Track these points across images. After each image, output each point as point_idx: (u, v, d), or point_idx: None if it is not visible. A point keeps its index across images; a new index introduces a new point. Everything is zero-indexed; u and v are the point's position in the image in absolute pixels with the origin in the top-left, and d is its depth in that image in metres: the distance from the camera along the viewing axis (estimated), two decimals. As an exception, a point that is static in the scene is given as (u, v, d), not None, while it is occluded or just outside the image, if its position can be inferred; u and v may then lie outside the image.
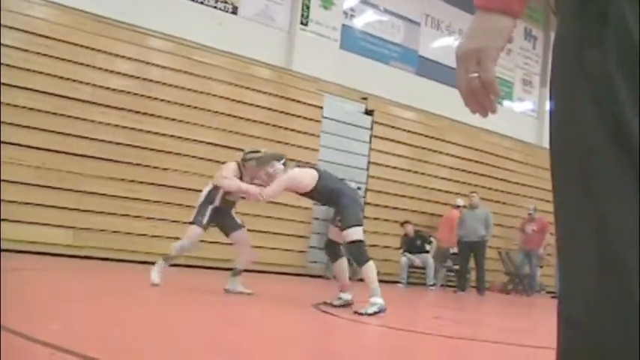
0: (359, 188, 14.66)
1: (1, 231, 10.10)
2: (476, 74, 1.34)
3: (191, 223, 7.84)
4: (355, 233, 6.96)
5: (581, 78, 1.18)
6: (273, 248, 13.18)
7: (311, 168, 7.51)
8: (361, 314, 6.54)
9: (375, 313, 6.57)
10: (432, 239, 15.05)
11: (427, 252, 14.76)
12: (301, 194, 7.32)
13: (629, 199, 1.09)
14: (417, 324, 7.41)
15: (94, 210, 11.55)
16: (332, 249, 7.52)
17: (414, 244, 14.80)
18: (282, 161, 7.49)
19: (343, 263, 7.49)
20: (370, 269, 6.87)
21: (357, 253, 7.00)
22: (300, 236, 13.99)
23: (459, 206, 15.90)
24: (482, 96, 1.36)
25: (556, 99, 1.26)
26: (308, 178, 7.14)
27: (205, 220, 7.77)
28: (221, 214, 7.93)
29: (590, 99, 1.16)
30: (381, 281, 10.29)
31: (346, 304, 7.26)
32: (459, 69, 1.37)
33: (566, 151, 1.22)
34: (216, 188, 7.87)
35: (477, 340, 5.89)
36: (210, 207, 7.81)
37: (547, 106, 19.42)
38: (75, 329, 3.98)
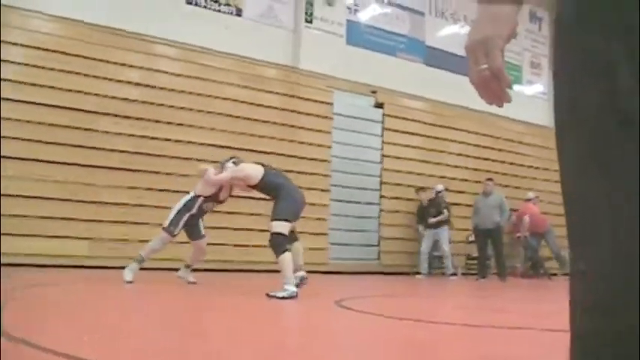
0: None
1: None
2: (485, 65, 1.34)
3: (164, 229, 8.74)
4: (279, 226, 7.58)
5: (584, 64, 1.17)
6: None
7: (261, 166, 8.25)
8: (272, 296, 7.28)
9: (285, 298, 7.23)
10: (446, 211, 14.82)
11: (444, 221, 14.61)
12: (251, 187, 8.13)
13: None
14: (438, 314, 7.39)
15: (107, 220, 11.58)
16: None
17: (428, 212, 14.74)
18: (231, 160, 8.61)
19: (295, 248, 8.06)
20: (285, 260, 7.45)
21: (276, 244, 7.51)
22: (319, 234, 13.94)
23: (529, 199, 16.40)
24: (495, 86, 1.36)
25: (559, 84, 1.25)
26: (251, 170, 8.09)
27: (178, 229, 8.69)
28: (192, 221, 8.80)
29: (593, 85, 1.15)
30: (399, 273, 10.27)
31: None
32: (469, 62, 1.37)
33: (574, 135, 1.21)
34: (195, 197, 8.77)
35: (499, 328, 5.87)
36: (187, 214, 8.69)
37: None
38: (105, 340, 4.00)
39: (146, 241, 10.47)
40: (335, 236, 14.24)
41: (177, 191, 12.07)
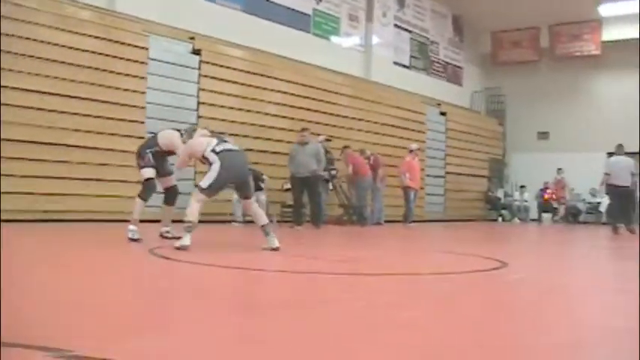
0: None
1: None
2: None
3: None
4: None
5: None
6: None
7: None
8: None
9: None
10: (264, 177, 15.17)
11: (261, 189, 14.87)
12: None
13: None
14: (257, 262, 7.45)
15: None
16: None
17: None
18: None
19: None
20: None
21: None
22: (133, 182, 13.67)
23: (412, 151, 18.21)
24: None
25: None
26: None
27: None
28: None
29: None
30: (214, 221, 10.30)
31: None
32: None
33: None
34: None
35: (314, 273, 6.03)
36: None
37: (374, 40, 19.91)
38: None
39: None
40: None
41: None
